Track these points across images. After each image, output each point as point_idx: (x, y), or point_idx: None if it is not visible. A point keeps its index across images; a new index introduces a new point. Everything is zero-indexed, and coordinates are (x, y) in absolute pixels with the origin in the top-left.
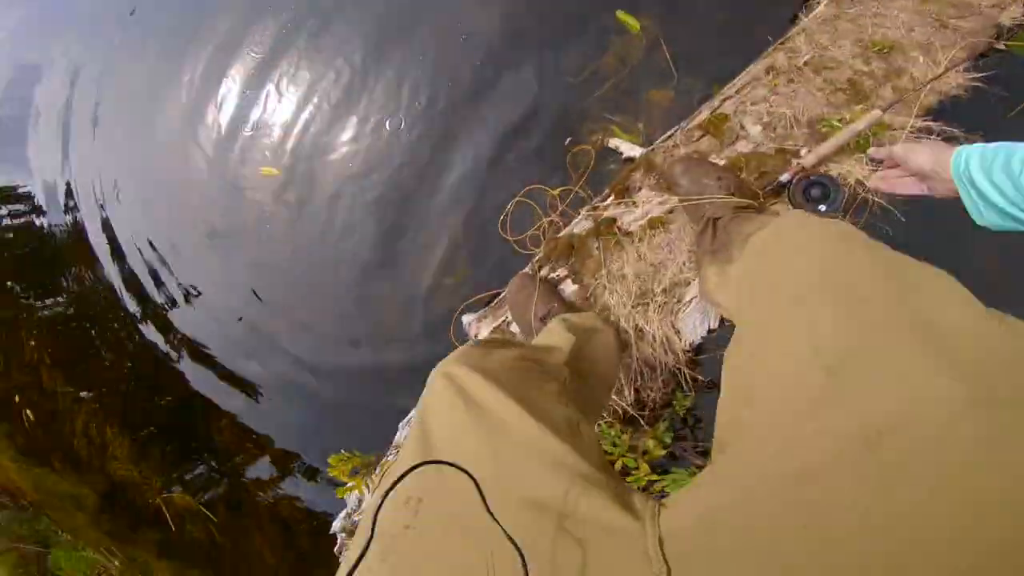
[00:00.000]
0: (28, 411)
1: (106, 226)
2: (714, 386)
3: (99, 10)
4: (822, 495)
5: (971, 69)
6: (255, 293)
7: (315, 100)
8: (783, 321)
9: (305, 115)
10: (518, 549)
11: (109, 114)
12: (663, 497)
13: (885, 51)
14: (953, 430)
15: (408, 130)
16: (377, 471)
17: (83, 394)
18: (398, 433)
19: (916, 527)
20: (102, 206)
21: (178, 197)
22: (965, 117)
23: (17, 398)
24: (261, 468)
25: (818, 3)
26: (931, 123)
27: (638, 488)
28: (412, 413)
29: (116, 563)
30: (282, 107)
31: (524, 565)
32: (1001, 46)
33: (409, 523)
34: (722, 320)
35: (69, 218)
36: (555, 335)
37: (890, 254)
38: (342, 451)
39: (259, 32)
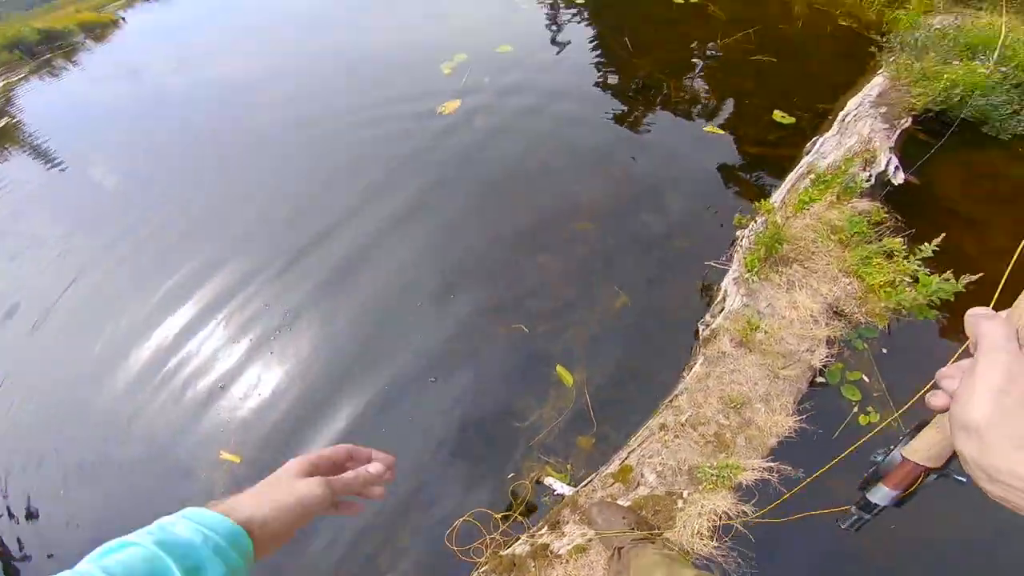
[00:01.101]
0: None
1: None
2: None
3: None
4: None
5: (795, 412)
6: None
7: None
8: None
9: (282, 404)
10: None
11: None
12: None
13: (738, 406)
14: None
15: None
16: None
17: None
18: None
19: None
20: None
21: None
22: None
23: None
24: None
25: (695, 363)
26: (771, 463)
27: None
28: None
29: None
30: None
31: None
32: (820, 379)
33: None
34: None
35: None
36: None
37: None
38: None
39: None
